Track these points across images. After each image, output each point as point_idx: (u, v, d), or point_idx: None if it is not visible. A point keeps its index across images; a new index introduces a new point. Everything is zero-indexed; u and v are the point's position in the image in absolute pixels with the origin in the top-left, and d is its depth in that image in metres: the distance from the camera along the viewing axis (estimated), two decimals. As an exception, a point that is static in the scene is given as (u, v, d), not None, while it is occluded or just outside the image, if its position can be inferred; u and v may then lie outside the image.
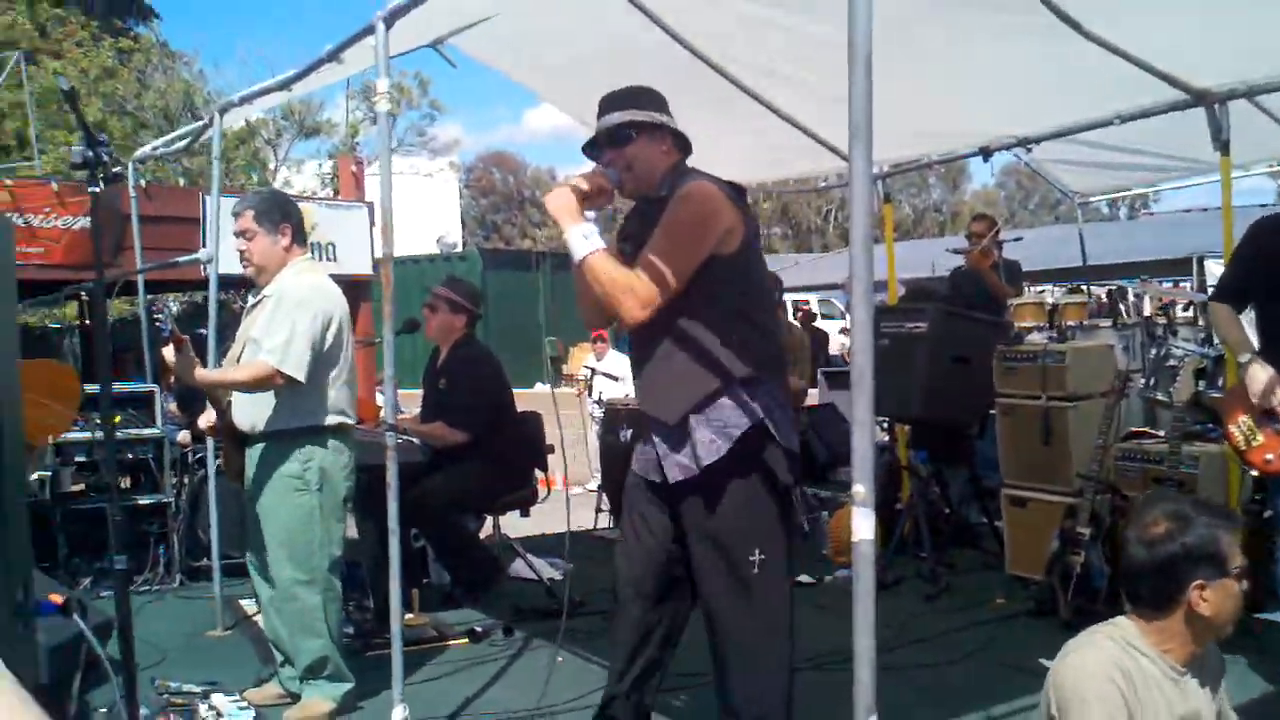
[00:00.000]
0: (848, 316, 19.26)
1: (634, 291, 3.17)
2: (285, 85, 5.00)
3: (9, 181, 7.26)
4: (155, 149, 7.37)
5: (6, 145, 21.63)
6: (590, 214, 3.34)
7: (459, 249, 29.94)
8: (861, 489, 1.84)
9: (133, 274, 7.73)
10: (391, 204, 3.89)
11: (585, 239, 3.20)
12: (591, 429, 11.06)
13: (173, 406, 7.42)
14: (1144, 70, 5.42)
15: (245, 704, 4.61)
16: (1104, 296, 13.14)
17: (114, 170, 2.84)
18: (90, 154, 2.79)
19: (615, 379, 9.97)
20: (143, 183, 9.02)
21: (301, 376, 4.31)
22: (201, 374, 4.42)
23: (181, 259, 4.60)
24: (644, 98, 3.52)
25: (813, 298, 22.95)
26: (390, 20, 3.79)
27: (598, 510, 8.73)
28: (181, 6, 60.78)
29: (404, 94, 27.71)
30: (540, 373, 17.63)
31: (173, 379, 5.67)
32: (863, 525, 1.85)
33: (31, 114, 16.07)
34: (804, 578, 6.60)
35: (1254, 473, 4.74)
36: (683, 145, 3.54)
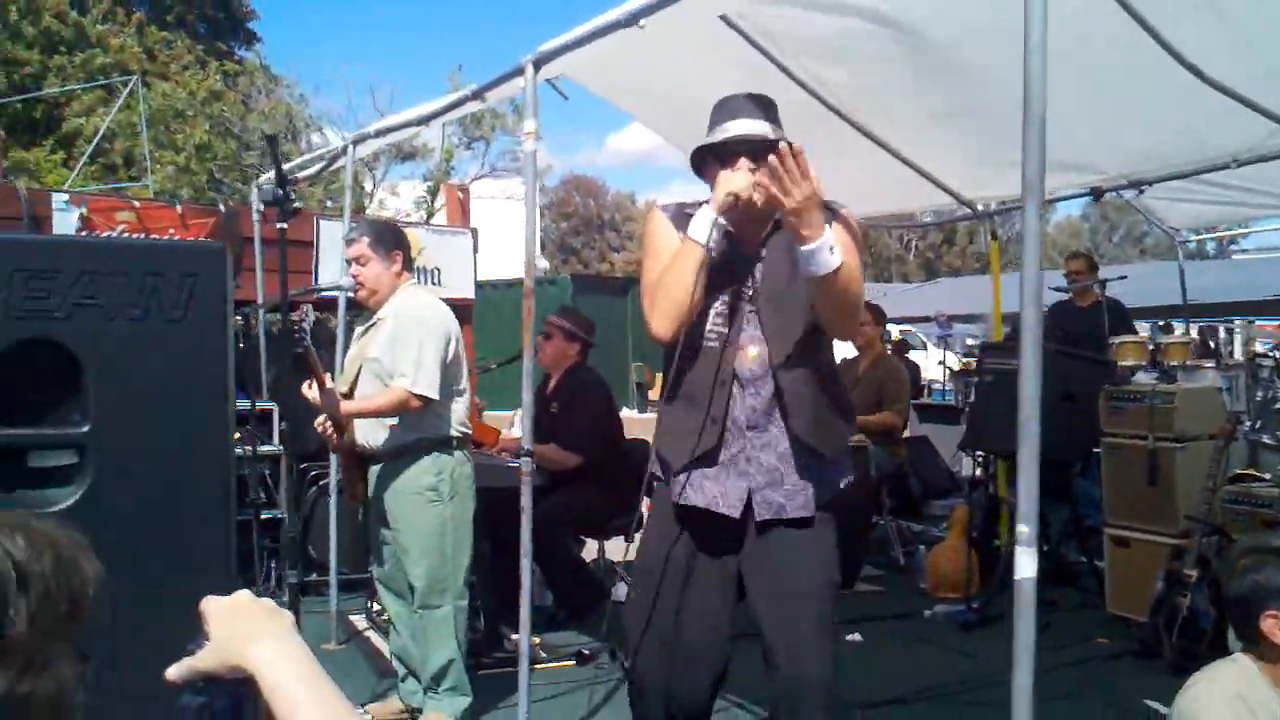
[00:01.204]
0: (928, 348, 19.20)
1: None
2: (424, 121, 5.18)
3: (137, 203, 7.51)
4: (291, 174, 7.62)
5: (114, 164, 22.31)
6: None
7: (548, 273, 30.37)
8: (1025, 529, 1.94)
9: (293, 298, 7.97)
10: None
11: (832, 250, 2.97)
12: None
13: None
14: (1260, 114, 5.45)
15: (368, 717, 4.77)
16: (1195, 335, 13.06)
17: (295, 205, 3.02)
18: (280, 192, 2.99)
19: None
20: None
21: (435, 395, 4.49)
22: (347, 406, 4.59)
23: (324, 285, 4.79)
24: (775, 113, 3.35)
25: (893, 329, 22.85)
26: (539, 63, 3.94)
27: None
28: (283, 30, 62.28)
29: (498, 119, 28.11)
30: (627, 398, 17.75)
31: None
32: (1025, 563, 1.94)
33: (144, 135, 16.56)
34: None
35: None
36: None
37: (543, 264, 20.09)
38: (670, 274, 3.16)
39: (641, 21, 3.65)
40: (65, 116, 24.43)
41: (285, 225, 3.00)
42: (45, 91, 23.53)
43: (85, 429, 2.56)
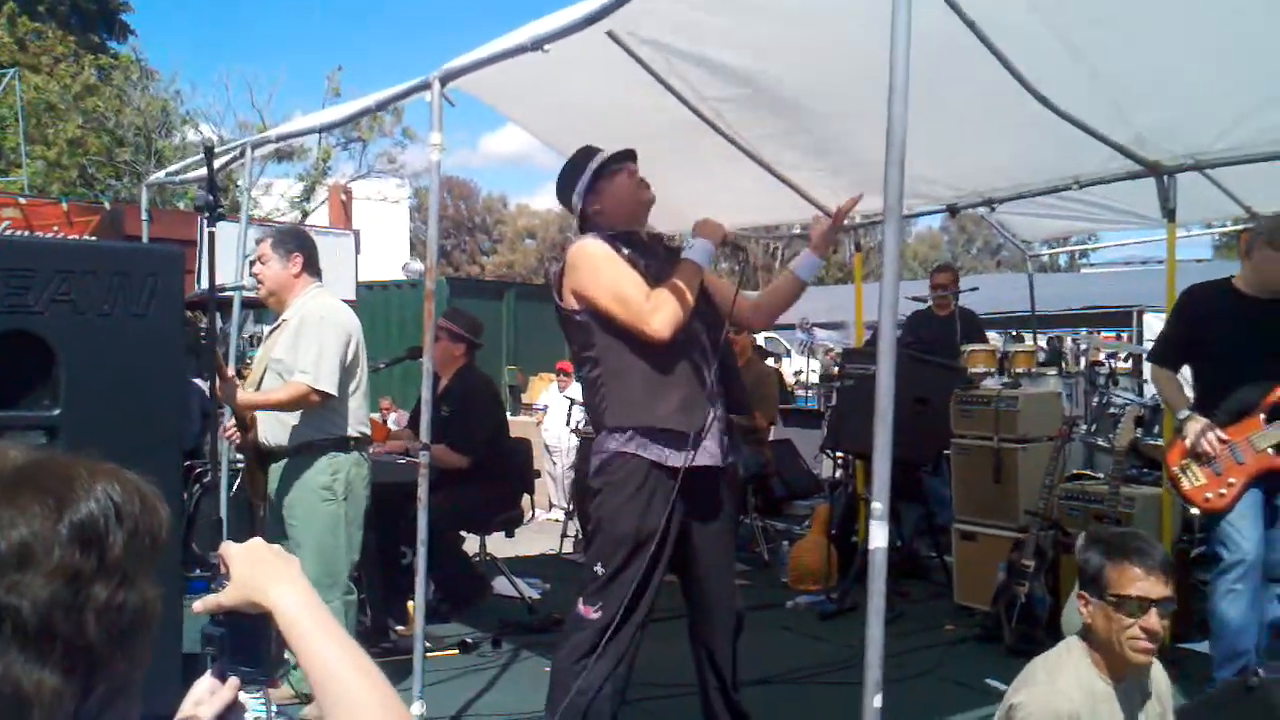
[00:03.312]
0: (791, 354, 19.67)
1: None
2: (327, 129, 5.38)
3: (22, 200, 7.54)
4: (169, 175, 7.73)
5: (-15, 158, 21.76)
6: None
7: (423, 275, 29.93)
8: (879, 505, 2.30)
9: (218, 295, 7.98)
10: (437, 242, 4.31)
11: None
12: (546, 459, 11.46)
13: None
14: (1102, 142, 5.93)
15: (263, 700, 4.96)
16: (1044, 344, 13.70)
17: (220, 211, 3.25)
18: (210, 199, 3.22)
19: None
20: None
21: (334, 391, 4.71)
22: (243, 397, 4.80)
23: (228, 285, 4.98)
24: None
25: (758, 335, 23.31)
26: (445, 80, 4.21)
27: (563, 535, 9.13)
28: (158, 24, 60.76)
29: (376, 121, 28.00)
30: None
31: None
32: (878, 535, 2.30)
33: (22, 129, 16.22)
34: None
35: (1195, 510, 5.22)
36: None
37: (417, 266, 20.16)
38: (676, 288, 3.78)
39: (546, 46, 3.96)
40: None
41: (214, 230, 3.22)
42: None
43: (56, 412, 2.79)
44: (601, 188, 4.02)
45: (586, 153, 4.08)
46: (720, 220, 3.95)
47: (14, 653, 1.04)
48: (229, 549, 1.45)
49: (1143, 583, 2.91)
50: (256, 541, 1.48)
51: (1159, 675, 3.18)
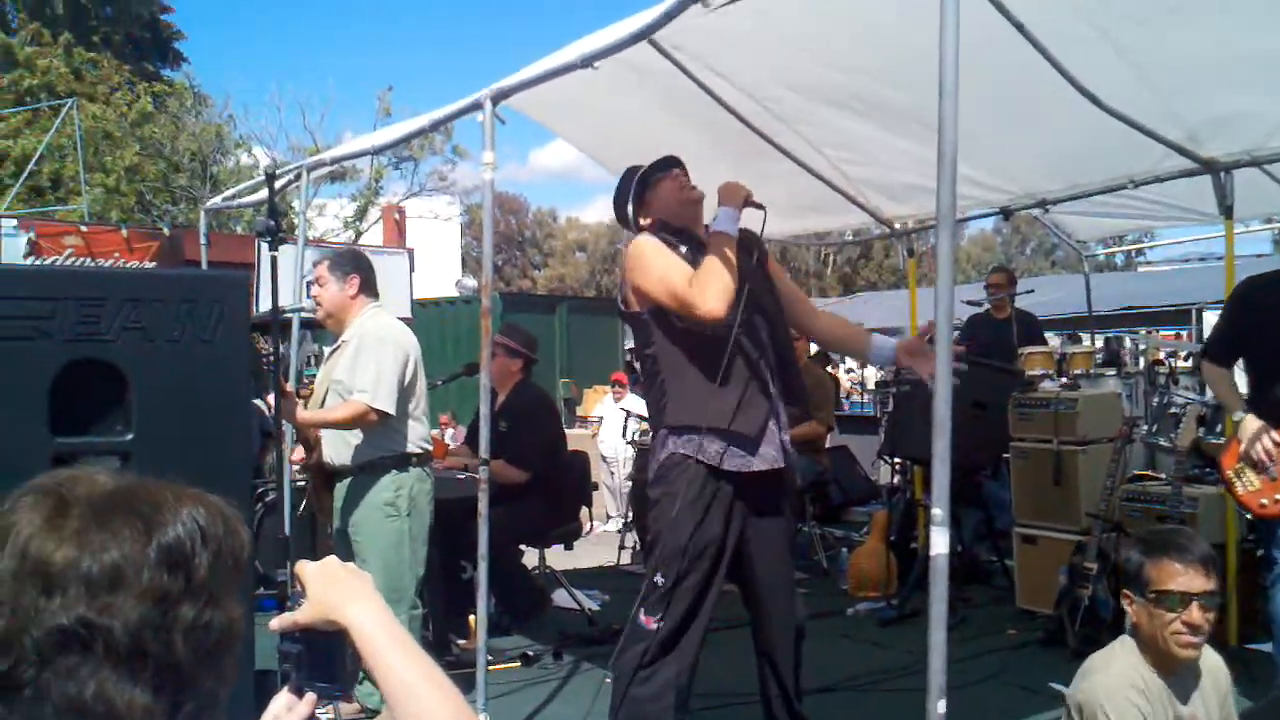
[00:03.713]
0: (845, 360, 19.65)
1: None
2: (380, 150, 5.46)
3: (83, 228, 7.69)
4: (226, 199, 7.86)
5: (41, 187, 22.16)
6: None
7: (476, 291, 30.19)
8: (939, 511, 2.31)
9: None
10: (490, 260, 4.36)
11: None
12: (603, 471, 11.47)
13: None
14: (1155, 140, 5.89)
15: (331, 715, 5.03)
16: (1102, 345, 13.58)
17: (281, 234, 3.33)
18: (271, 223, 3.29)
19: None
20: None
21: (392, 410, 4.78)
22: (303, 415, 4.89)
23: (287, 306, 5.06)
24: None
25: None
26: (497, 99, 4.27)
27: (621, 547, 9.15)
28: (211, 50, 61.79)
29: (427, 139, 28.22)
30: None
31: None
32: (939, 541, 2.31)
33: (81, 157, 16.52)
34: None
35: (1249, 516, 5.07)
36: None
37: (470, 283, 20.33)
38: (715, 262, 3.75)
39: (595, 64, 4.01)
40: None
41: (276, 254, 3.29)
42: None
43: (129, 437, 2.88)
44: (649, 199, 4.08)
45: (631, 171, 4.14)
46: (767, 226, 3.95)
47: (106, 671, 1.08)
48: (305, 568, 1.48)
49: (1182, 577, 2.93)
50: (331, 560, 1.51)
51: (1216, 666, 3.17)
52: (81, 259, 7.54)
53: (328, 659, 1.47)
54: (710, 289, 3.72)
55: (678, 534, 3.85)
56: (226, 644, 1.20)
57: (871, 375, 16.87)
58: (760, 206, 3.92)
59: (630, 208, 4.10)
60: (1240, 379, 5.14)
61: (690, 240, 4.00)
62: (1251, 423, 4.69)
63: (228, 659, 1.20)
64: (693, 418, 3.86)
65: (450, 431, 12.25)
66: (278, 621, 1.48)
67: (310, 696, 1.47)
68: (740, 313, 3.82)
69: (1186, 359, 10.52)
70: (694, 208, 4.08)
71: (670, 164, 4.11)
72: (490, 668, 5.64)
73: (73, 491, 1.16)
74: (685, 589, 3.85)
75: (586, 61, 4.12)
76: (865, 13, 4.79)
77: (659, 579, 3.87)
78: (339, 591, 1.45)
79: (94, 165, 22.38)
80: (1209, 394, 6.75)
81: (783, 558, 4.13)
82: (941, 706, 2.48)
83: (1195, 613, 2.90)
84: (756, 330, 3.97)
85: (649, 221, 4.07)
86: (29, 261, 6.98)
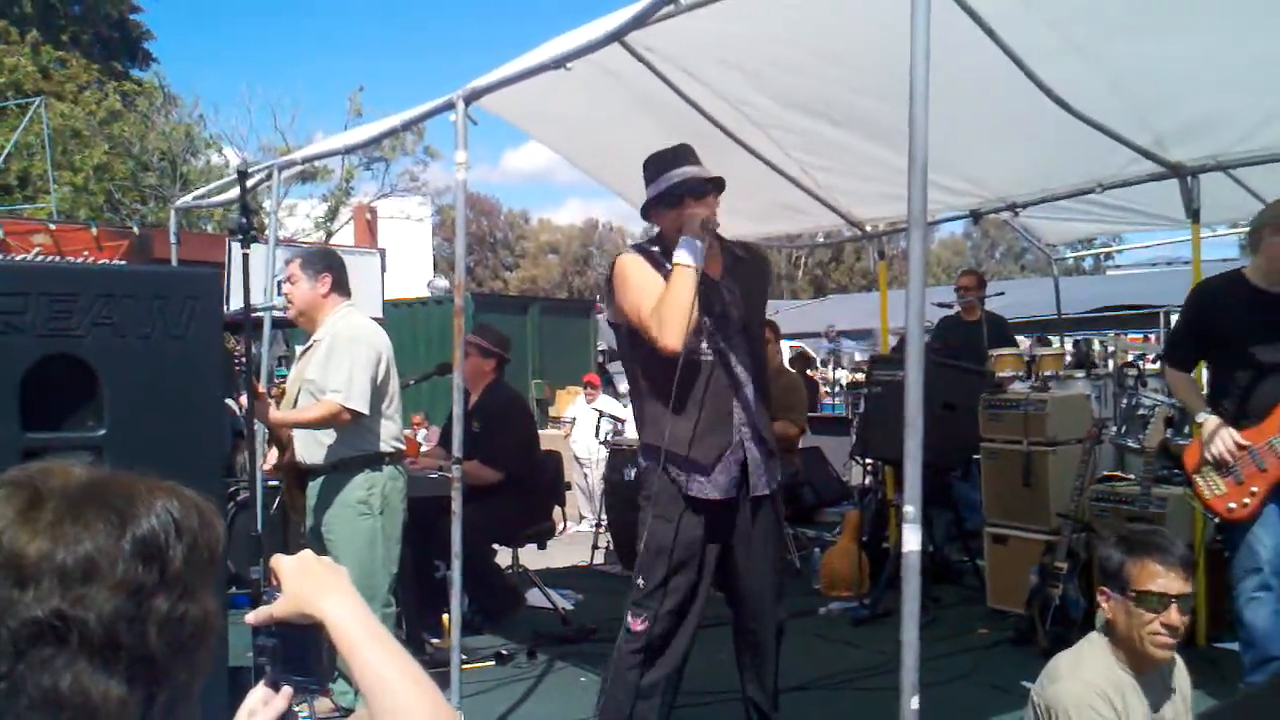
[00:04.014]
0: (817, 363, 19.70)
1: None
2: (351, 150, 5.45)
3: (53, 225, 7.65)
4: (197, 198, 7.82)
5: (9, 185, 22.01)
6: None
7: (447, 291, 30.14)
8: (910, 509, 2.33)
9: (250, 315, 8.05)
10: (463, 260, 4.37)
11: None
12: (576, 472, 11.49)
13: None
14: (1123, 144, 5.94)
15: (306, 713, 5.01)
16: (1071, 347, 13.66)
17: (252, 233, 3.32)
18: (244, 220, 3.29)
19: (621, 420, 10.36)
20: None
21: (365, 409, 4.77)
22: (275, 415, 4.88)
23: (258, 305, 5.05)
24: (696, 156, 4.11)
25: (785, 345, 23.36)
26: (469, 99, 4.27)
27: (594, 547, 9.15)
28: (180, 50, 61.39)
29: (399, 140, 28.15)
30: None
31: None
32: (911, 538, 2.32)
33: (49, 156, 16.40)
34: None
35: (1216, 520, 5.03)
36: None
37: (442, 283, 20.28)
38: (673, 295, 3.74)
39: (568, 64, 4.01)
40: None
41: (247, 252, 3.28)
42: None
43: (101, 433, 2.87)
44: (660, 213, 4.06)
45: (668, 162, 4.04)
46: (739, 228, 3.97)
47: (82, 663, 1.08)
48: (280, 562, 1.48)
49: (1163, 579, 2.96)
50: (307, 554, 1.51)
51: (1180, 671, 3.21)
52: (50, 257, 7.49)
53: (303, 652, 1.47)
54: (666, 323, 3.73)
55: (655, 539, 3.89)
56: (201, 636, 1.20)
57: (844, 376, 16.91)
58: (713, 230, 3.85)
59: (648, 204, 4.09)
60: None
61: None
62: (1211, 423, 4.70)
63: (202, 651, 1.20)
64: (654, 439, 3.92)
65: (423, 431, 12.24)
66: (253, 615, 1.48)
67: (286, 690, 1.47)
68: (706, 342, 3.89)
69: (1155, 361, 10.61)
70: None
71: (699, 189, 3.98)
72: (464, 667, 5.63)
73: (46, 484, 1.15)
74: (665, 593, 3.90)
75: (559, 62, 4.13)
76: (835, 17, 4.80)
77: (640, 581, 3.93)
78: (314, 585, 1.45)
79: (62, 164, 22.23)
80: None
81: (763, 574, 4.11)
82: (915, 703, 2.50)
83: (1174, 614, 2.94)
84: (730, 359, 3.97)
85: (657, 230, 4.11)
86: (-3, 259, 6.91)
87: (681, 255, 3.78)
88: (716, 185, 4.02)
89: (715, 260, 4.01)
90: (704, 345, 3.90)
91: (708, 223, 3.82)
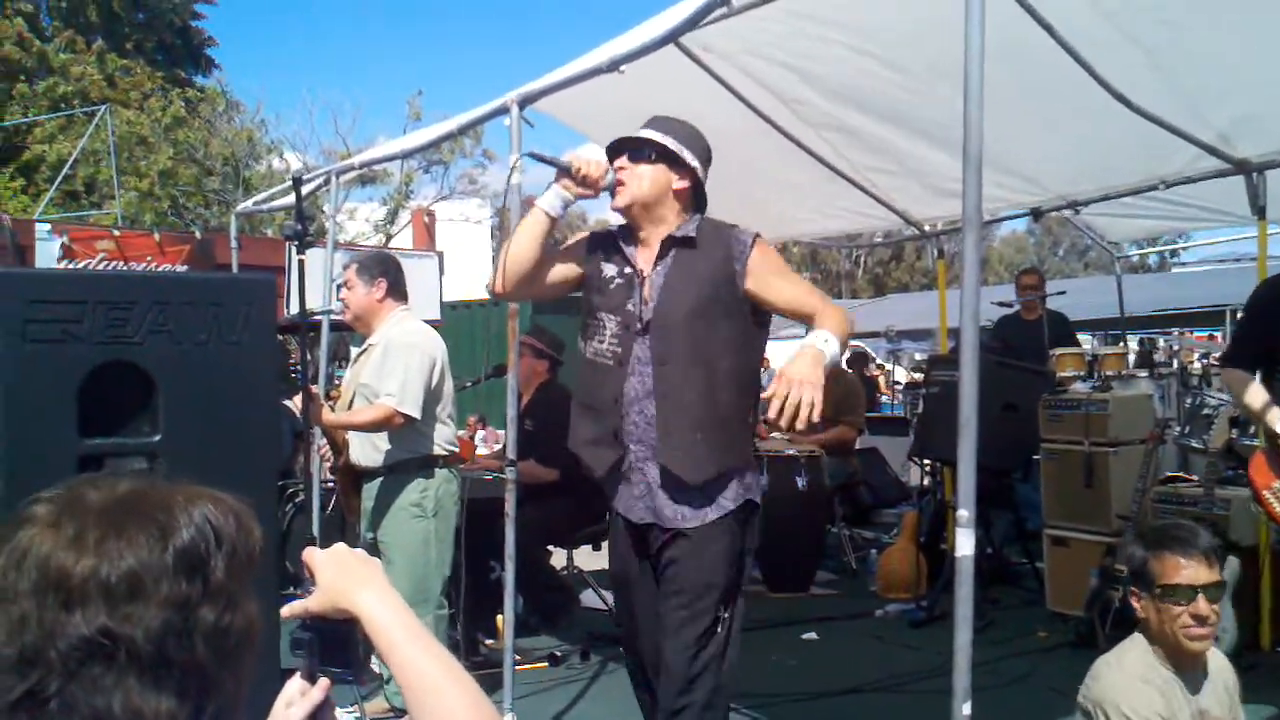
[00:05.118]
0: (881, 363, 19.58)
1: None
2: (409, 154, 5.49)
3: (116, 232, 7.77)
4: (257, 203, 7.91)
5: (76, 191, 22.41)
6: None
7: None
8: (964, 513, 2.30)
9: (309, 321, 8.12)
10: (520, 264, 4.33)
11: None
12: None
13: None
14: (1186, 140, 5.86)
15: (359, 715, 5.05)
16: (1135, 346, 13.47)
17: (308, 238, 3.36)
18: (298, 227, 3.33)
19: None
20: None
21: (418, 414, 4.81)
22: (329, 417, 4.93)
23: (316, 309, 5.10)
24: (686, 134, 3.53)
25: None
26: (524, 103, 4.29)
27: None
28: (242, 56, 62.29)
29: (457, 143, 28.34)
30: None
31: None
32: (964, 542, 2.30)
33: (114, 162, 16.68)
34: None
35: None
36: (699, 198, 3.56)
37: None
38: (514, 237, 3.47)
39: (622, 67, 4.01)
40: (27, 145, 24.57)
41: (303, 257, 3.32)
42: (10, 121, 23.69)
43: (156, 438, 2.92)
44: None
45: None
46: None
47: (131, 680, 1.08)
48: (314, 555, 1.49)
49: (1187, 570, 2.94)
50: (340, 547, 1.52)
51: (1224, 666, 3.18)
52: (115, 263, 7.60)
53: (340, 644, 1.48)
54: (499, 264, 3.50)
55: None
56: (246, 644, 1.20)
57: (901, 373, 16.79)
58: (596, 187, 3.44)
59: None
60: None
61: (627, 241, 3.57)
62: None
63: (247, 658, 1.21)
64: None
65: (480, 433, 12.28)
66: (289, 609, 1.49)
67: (323, 681, 1.48)
68: (609, 343, 3.44)
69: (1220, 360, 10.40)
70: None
71: (613, 148, 3.57)
72: (517, 668, 5.67)
73: (85, 500, 1.16)
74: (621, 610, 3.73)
75: (614, 65, 4.13)
76: (889, 14, 4.77)
77: None
78: (348, 578, 1.46)
79: (128, 170, 22.62)
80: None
81: (669, 621, 3.39)
82: (967, 709, 2.47)
83: (1202, 604, 2.91)
84: (643, 366, 3.39)
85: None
86: (63, 265, 7.04)
87: (542, 198, 3.49)
88: (627, 145, 3.50)
89: (647, 252, 3.49)
90: (606, 347, 3.43)
91: (578, 173, 3.42)
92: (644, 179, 3.42)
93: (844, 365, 9.14)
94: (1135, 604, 3.05)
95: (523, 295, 3.71)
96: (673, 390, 3.32)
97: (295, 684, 1.48)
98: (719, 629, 3.34)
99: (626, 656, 3.81)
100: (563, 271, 3.61)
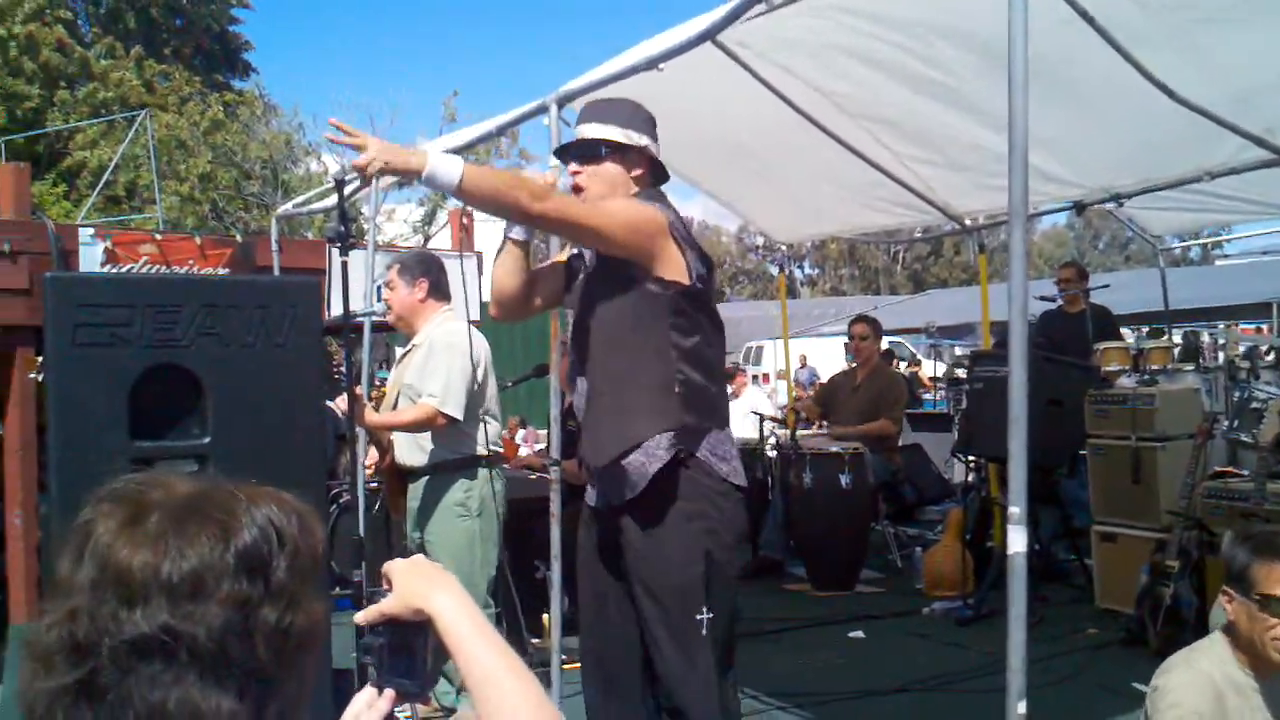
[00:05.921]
0: (920, 360, 19.50)
1: (527, 187, 2.98)
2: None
3: (158, 236, 7.80)
4: (297, 206, 7.97)
5: (117, 196, 22.64)
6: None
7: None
8: (1016, 510, 2.28)
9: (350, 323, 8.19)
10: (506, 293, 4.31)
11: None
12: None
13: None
14: (1232, 132, 5.78)
15: (410, 712, 5.07)
16: (1180, 340, 13.31)
17: (351, 240, 3.37)
18: (341, 229, 3.34)
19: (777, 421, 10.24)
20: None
21: (460, 415, 4.81)
22: (372, 418, 4.95)
23: (358, 310, 5.11)
24: (626, 114, 3.39)
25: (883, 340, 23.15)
26: (562, 102, 4.29)
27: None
28: (279, 59, 62.95)
29: (494, 144, 28.42)
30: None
31: None
32: (1016, 540, 2.27)
33: (155, 166, 16.83)
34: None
35: None
36: (658, 173, 3.47)
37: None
38: (494, 269, 3.43)
39: (660, 65, 3.99)
40: (69, 150, 24.88)
41: (346, 259, 3.33)
42: (51, 127, 23.98)
43: (205, 440, 2.94)
44: None
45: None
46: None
47: (191, 678, 1.09)
48: (394, 565, 1.51)
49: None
50: (419, 558, 1.55)
51: None
52: (157, 266, 7.63)
53: (409, 654, 1.49)
54: (491, 295, 3.54)
55: None
56: (308, 645, 1.20)
57: (930, 368, 16.69)
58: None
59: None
60: None
61: None
62: None
63: (310, 660, 1.21)
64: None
65: (521, 432, 12.31)
66: (363, 614, 1.50)
67: (390, 693, 1.49)
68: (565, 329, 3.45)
69: (1268, 353, 10.30)
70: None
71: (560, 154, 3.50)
72: (564, 666, 5.67)
73: (149, 497, 1.17)
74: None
75: (652, 64, 4.12)
76: (932, 8, 4.74)
77: None
78: (425, 581, 1.48)
79: (168, 174, 22.86)
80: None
81: (621, 615, 3.32)
82: (1022, 707, 2.44)
83: None
84: (579, 346, 3.36)
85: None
86: (106, 269, 7.08)
87: (507, 225, 3.36)
88: (574, 149, 3.39)
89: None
90: (566, 332, 3.42)
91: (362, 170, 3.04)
92: (598, 179, 3.33)
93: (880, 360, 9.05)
94: (1226, 605, 2.99)
95: (522, 317, 3.64)
96: (590, 376, 3.29)
97: (365, 695, 1.50)
98: (704, 631, 3.11)
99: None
100: (554, 284, 3.56)
